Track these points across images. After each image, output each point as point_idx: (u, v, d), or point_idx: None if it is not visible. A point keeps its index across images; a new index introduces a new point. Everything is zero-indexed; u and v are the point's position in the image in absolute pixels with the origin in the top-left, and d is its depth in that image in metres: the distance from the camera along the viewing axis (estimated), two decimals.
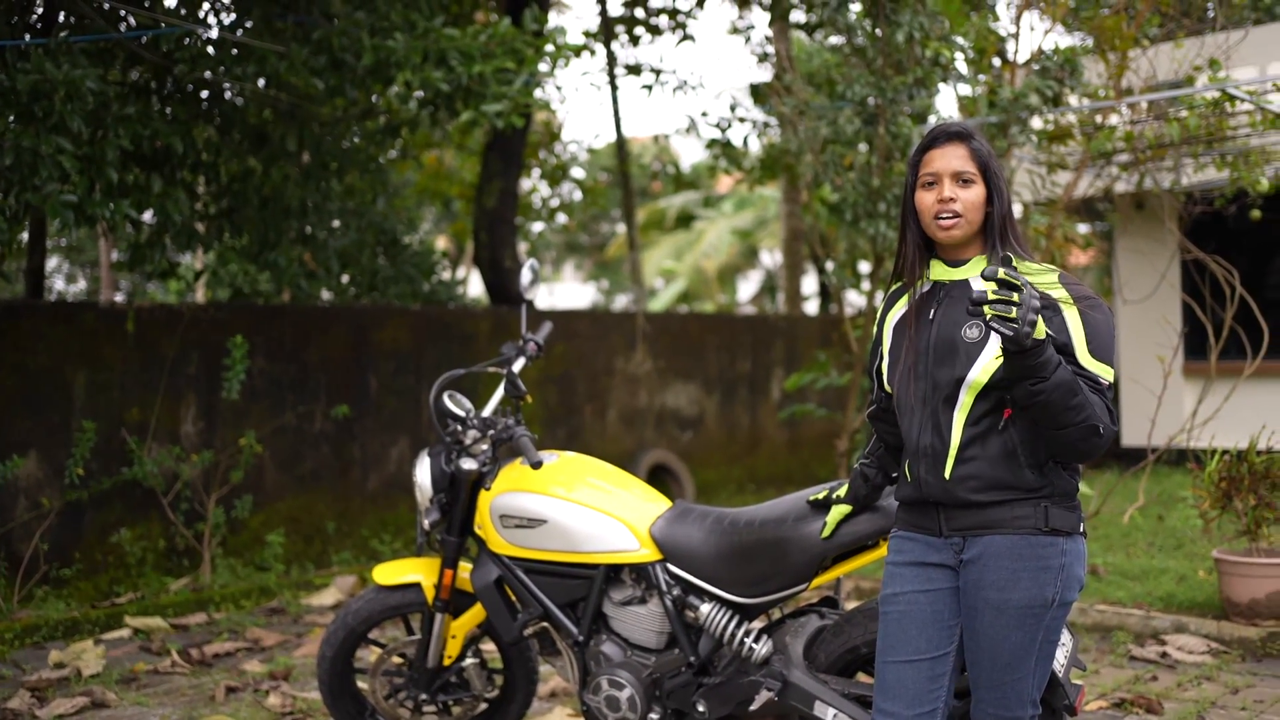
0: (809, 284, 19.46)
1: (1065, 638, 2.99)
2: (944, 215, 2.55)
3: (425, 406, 8.14)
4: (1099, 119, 7.30)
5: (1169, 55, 7.71)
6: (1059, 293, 2.52)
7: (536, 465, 3.44)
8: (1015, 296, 2.26)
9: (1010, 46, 6.98)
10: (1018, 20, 7.41)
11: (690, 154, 29.93)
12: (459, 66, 6.20)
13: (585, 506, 3.57)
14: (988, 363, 2.50)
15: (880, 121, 5.92)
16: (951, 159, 2.56)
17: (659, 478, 9.50)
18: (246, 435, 6.89)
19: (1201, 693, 4.60)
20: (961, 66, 6.66)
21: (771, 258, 23.10)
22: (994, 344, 2.50)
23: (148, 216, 6.69)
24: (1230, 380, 7.77)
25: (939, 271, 2.66)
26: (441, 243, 17.59)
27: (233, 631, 6.04)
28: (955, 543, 2.58)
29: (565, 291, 29.87)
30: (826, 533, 3.20)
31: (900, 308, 2.70)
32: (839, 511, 3.19)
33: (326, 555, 7.52)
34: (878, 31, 6.13)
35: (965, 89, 6.72)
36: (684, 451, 10.03)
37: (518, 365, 3.87)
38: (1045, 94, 5.65)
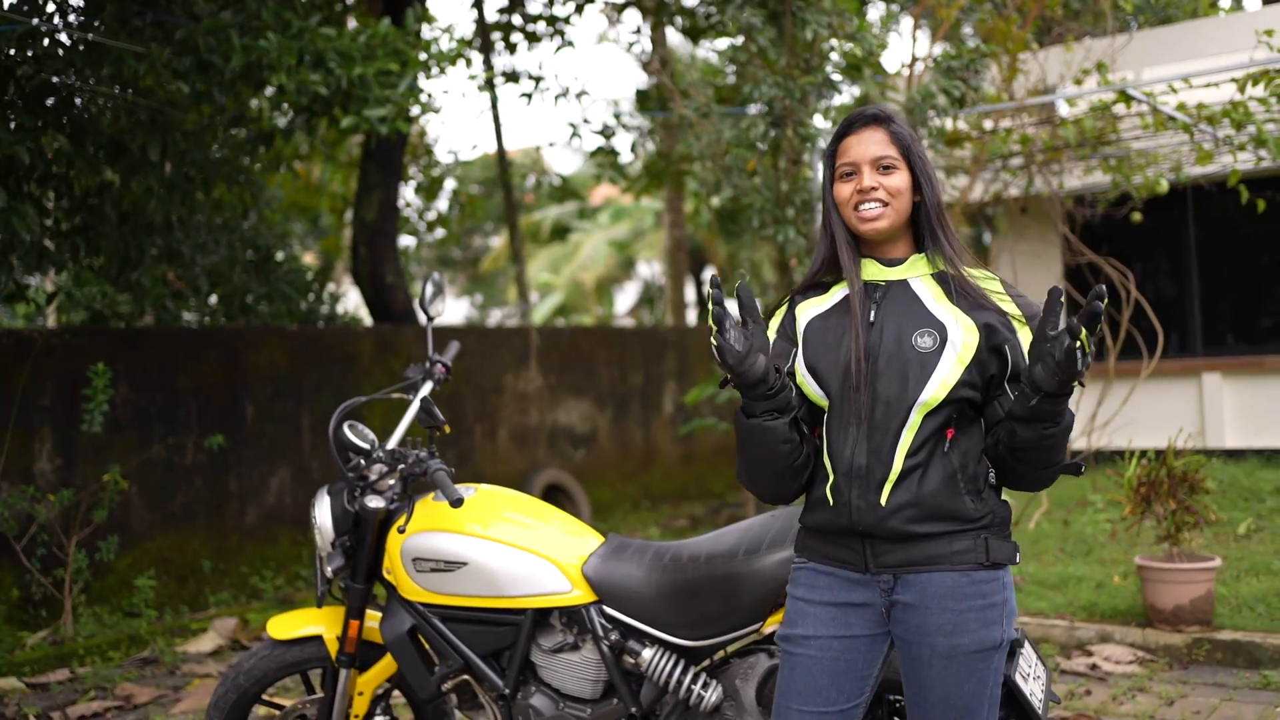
0: (689, 293, 19.33)
1: (1039, 670, 2.78)
2: (866, 205, 2.28)
3: (306, 433, 7.64)
4: (989, 124, 7.26)
5: (1059, 59, 7.74)
6: (1009, 307, 2.27)
7: (457, 503, 3.05)
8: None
9: (886, 57, 6.90)
10: (914, 29, 7.34)
11: (566, 166, 29.64)
12: (338, 69, 5.78)
13: (509, 545, 3.23)
14: (945, 375, 2.21)
15: (788, 123, 5.71)
16: (869, 145, 2.29)
17: (553, 498, 9.15)
18: (110, 470, 6.37)
19: (1137, 706, 4.47)
20: (837, 69, 6.50)
21: (649, 269, 22.95)
22: (950, 354, 2.21)
23: None
24: (1123, 382, 7.81)
25: (871, 271, 2.36)
26: (309, 259, 16.90)
27: (100, 688, 5.51)
28: (884, 580, 2.27)
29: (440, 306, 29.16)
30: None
31: (819, 304, 2.39)
32: None
33: (203, 597, 6.99)
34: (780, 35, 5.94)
35: (865, 91, 6.58)
36: (577, 470, 9.70)
37: (425, 390, 3.50)
38: (951, 94, 5.51)
